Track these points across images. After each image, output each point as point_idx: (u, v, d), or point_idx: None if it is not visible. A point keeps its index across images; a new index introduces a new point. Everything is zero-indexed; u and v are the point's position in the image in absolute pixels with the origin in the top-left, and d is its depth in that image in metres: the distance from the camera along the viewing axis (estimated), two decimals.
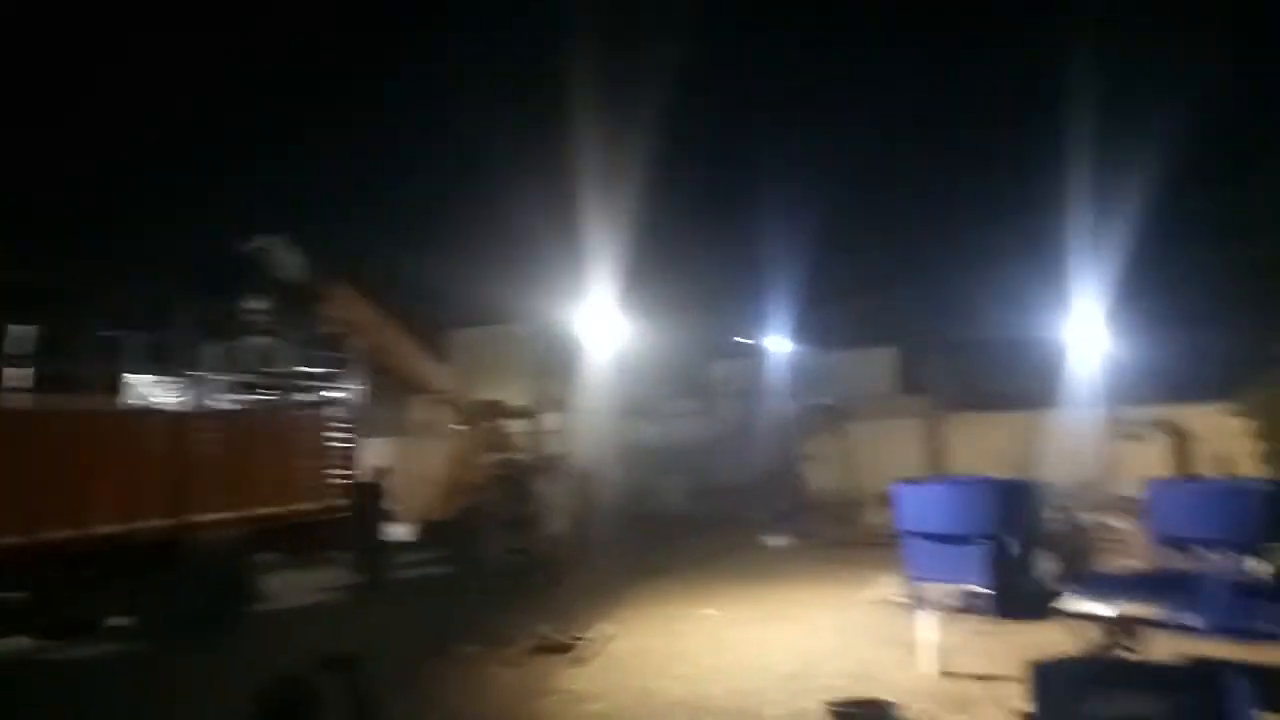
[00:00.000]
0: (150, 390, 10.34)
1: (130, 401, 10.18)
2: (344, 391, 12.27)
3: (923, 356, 22.42)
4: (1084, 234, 16.77)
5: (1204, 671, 5.40)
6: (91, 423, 9.02)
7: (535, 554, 13.09)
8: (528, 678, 7.88)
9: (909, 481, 10.34)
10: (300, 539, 11.14)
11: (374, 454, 12.90)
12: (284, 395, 11.80)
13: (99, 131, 19.04)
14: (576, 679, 7.78)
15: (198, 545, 9.48)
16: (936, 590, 9.51)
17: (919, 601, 9.53)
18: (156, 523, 9.18)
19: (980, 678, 7.14)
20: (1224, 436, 14.98)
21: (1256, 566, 7.41)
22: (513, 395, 16.26)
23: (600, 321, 16.31)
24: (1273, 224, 16.22)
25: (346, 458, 11.60)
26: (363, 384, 12.40)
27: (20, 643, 8.73)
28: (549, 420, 17.25)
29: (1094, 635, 7.08)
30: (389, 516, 12.89)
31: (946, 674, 7.33)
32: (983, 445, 18.24)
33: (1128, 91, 19.17)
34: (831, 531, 16.67)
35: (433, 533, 13.53)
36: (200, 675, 7.96)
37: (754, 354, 24.93)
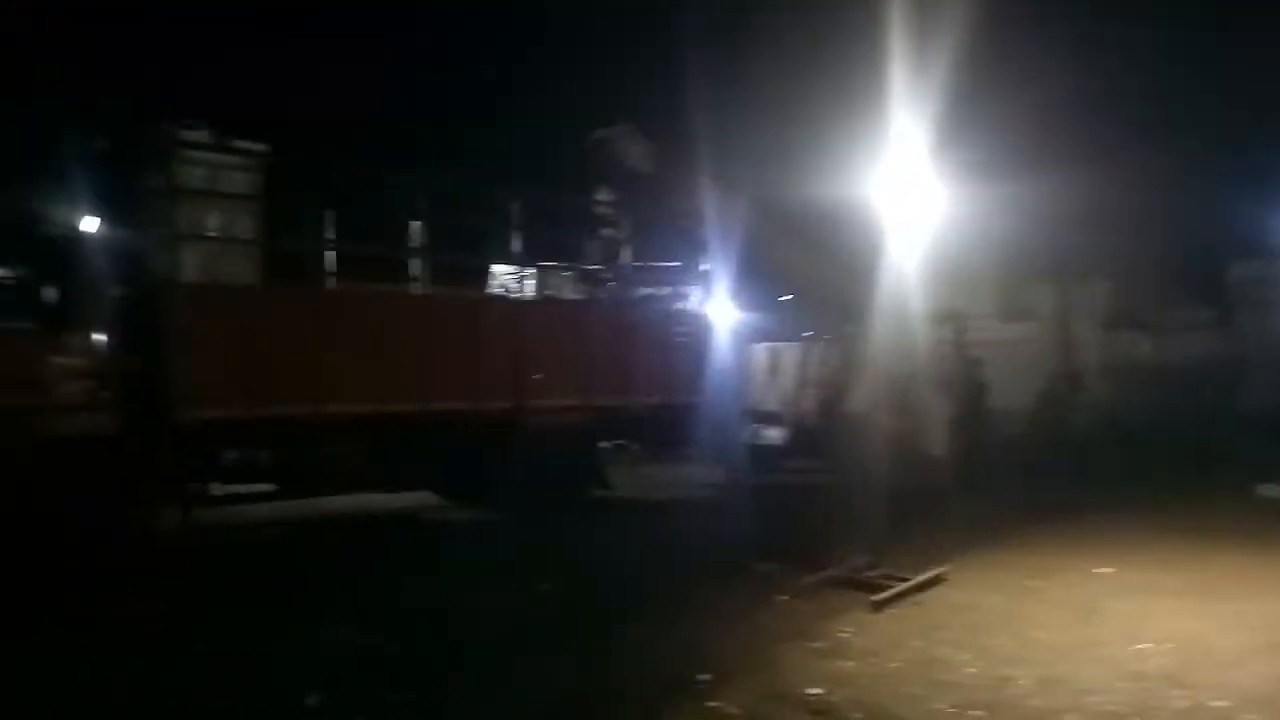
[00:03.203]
0: (507, 281, 10.85)
1: (489, 290, 10.80)
2: (694, 286, 11.70)
3: None
4: None
5: None
6: (441, 307, 9.72)
7: (917, 474, 11.34)
8: (803, 613, 6.64)
9: None
10: (645, 432, 11.07)
11: (740, 350, 12.27)
12: (629, 288, 11.63)
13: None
14: (856, 625, 6.33)
15: (538, 429, 9.82)
16: None
17: None
18: (497, 404, 9.66)
19: None
20: None
21: None
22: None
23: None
24: None
25: (695, 354, 11.11)
26: (716, 276, 11.70)
27: (423, 498, 10.27)
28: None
29: None
30: (755, 417, 12.22)
31: None
32: None
33: None
34: None
35: (808, 440, 12.55)
36: (533, 549, 8.42)
37: None
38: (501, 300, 10.52)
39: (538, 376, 9.61)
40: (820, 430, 12.31)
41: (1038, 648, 5.84)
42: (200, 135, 9.02)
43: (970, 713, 4.82)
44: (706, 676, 5.27)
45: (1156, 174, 19.54)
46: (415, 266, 10.18)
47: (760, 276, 13.57)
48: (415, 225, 10.02)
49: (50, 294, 7.87)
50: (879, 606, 6.71)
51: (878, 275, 9.85)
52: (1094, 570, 7.83)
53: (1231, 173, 19.77)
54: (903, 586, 7.05)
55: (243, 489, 8.60)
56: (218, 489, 8.36)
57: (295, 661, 5.48)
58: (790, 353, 14.43)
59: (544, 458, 9.75)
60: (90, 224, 8.68)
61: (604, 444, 10.90)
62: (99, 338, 7.82)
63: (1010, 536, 8.96)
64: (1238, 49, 19.10)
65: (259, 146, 9.37)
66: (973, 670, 5.44)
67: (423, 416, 9.11)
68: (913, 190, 9.51)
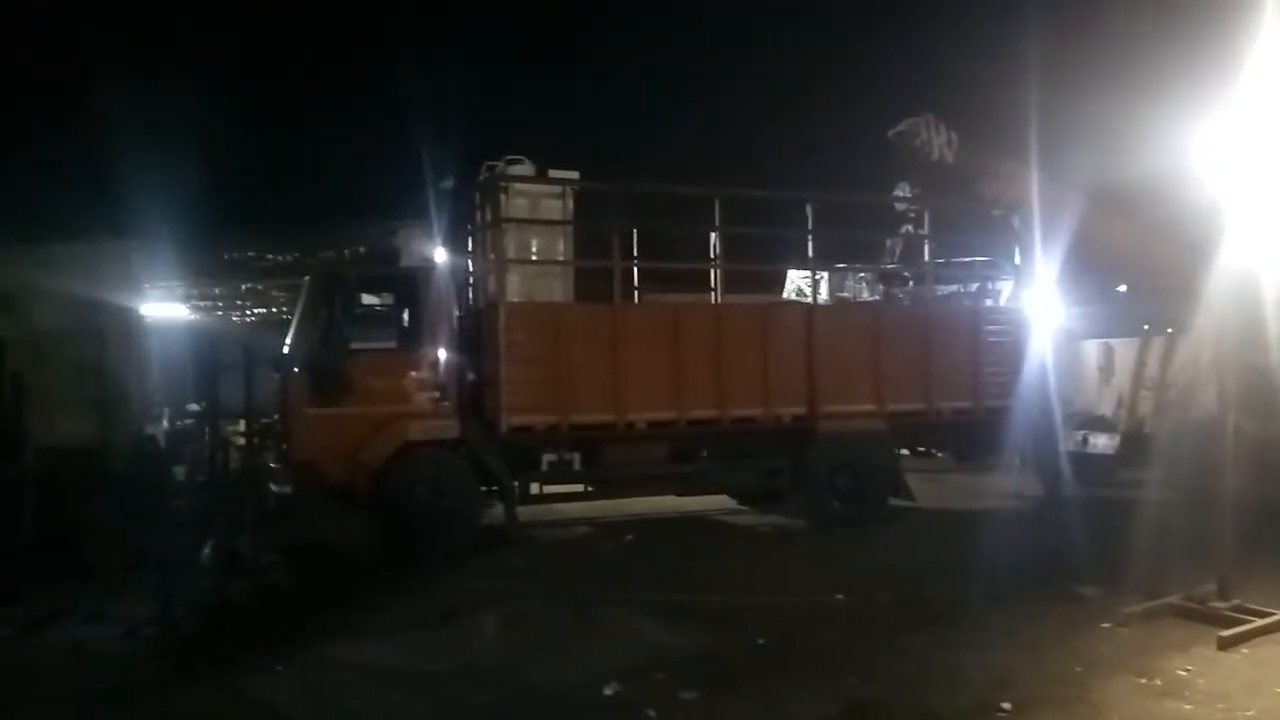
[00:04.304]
0: (801, 286, 10.80)
1: (782, 297, 10.82)
2: (1008, 281, 10.84)
3: None
4: None
5: None
6: (735, 315, 9.91)
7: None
8: (1130, 643, 5.93)
9: None
10: (949, 439, 10.49)
11: (1065, 349, 11.22)
12: (931, 287, 11.03)
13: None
14: (1199, 663, 5.54)
15: (833, 435, 9.71)
16: None
17: None
18: (790, 410, 9.69)
19: None
20: None
21: None
22: None
23: None
24: None
25: (1007, 354, 10.31)
26: (1036, 269, 10.75)
27: (721, 501, 10.70)
28: None
29: None
30: (1082, 422, 11.13)
31: None
32: None
33: None
34: None
35: (1144, 447, 11.13)
36: (828, 557, 8.54)
37: None
38: (794, 306, 10.53)
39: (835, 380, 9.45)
40: (1160, 437, 10.86)
41: None
42: (523, 169, 9.96)
43: None
44: (1008, 705, 4.92)
45: None
46: (712, 276, 10.49)
47: (1091, 266, 12.30)
48: (712, 236, 10.31)
49: (407, 317, 9.16)
50: (1229, 643, 5.82)
51: (1238, 256, 8.49)
52: None
53: None
54: (1264, 622, 6.05)
55: (558, 489, 9.41)
56: (536, 488, 9.22)
57: (593, 651, 5.91)
58: (1125, 350, 12.91)
59: (839, 464, 9.66)
60: (436, 254, 9.99)
61: (904, 451, 10.48)
62: (442, 354, 8.97)
63: None
64: None
65: (570, 174, 10.15)
66: None
67: (718, 423, 9.39)
68: None
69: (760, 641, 6.11)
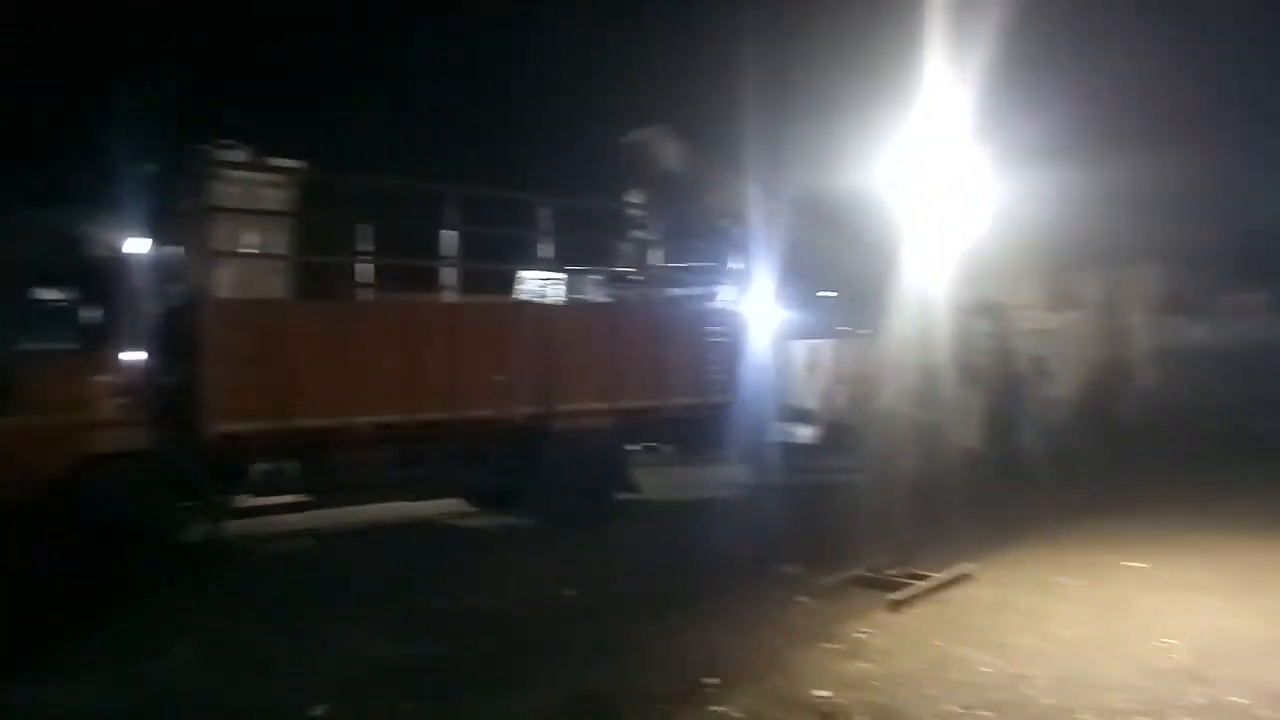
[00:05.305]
0: (535, 286, 10.90)
1: (515, 297, 10.86)
2: (729, 285, 11.63)
3: None
4: None
5: None
6: (469, 315, 9.83)
7: (950, 470, 11.15)
8: (822, 614, 6.60)
9: None
10: (675, 434, 11.08)
11: (778, 349, 12.22)
12: (660, 290, 11.60)
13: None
14: (875, 626, 6.27)
15: (565, 433, 9.89)
16: None
17: None
18: (525, 410, 9.74)
19: None
20: None
21: None
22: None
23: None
24: None
25: (728, 354, 11.06)
26: (755, 275, 11.60)
27: (453, 505, 10.42)
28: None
29: None
30: (788, 415, 12.17)
31: None
32: None
33: None
34: None
35: (841, 437, 12.42)
36: (558, 554, 8.61)
37: None
38: (528, 306, 10.60)
39: (500, 379, 9.43)
40: (853, 428, 12.18)
41: (1060, 645, 5.75)
42: (237, 155, 9.16)
43: (980, 713, 4.76)
44: (715, 680, 5.28)
45: (1208, 155, 18.85)
46: (446, 275, 10.28)
47: (803, 273, 13.48)
48: (446, 234, 10.09)
49: (92, 313, 8.16)
50: (898, 605, 6.65)
51: (912, 267, 9.72)
52: (1128, 565, 7.67)
53: None
54: (923, 585, 6.98)
55: (273, 500, 8.79)
56: (248, 501, 8.57)
57: (307, 671, 5.58)
58: (826, 349, 14.36)
59: (571, 462, 9.82)
60: (131, 244, 8.97)
61: (634, 447, 10.91)
62: (137, 355, 8.10)
63: (1046, 531, 8.80)
64: None
65: (295, 163, 9.49)
66: (989, 670, 5.38)
67: (451, 424, 9.23)
68: (951, 179, 9.35)
69: (489, 644, 6.10)
